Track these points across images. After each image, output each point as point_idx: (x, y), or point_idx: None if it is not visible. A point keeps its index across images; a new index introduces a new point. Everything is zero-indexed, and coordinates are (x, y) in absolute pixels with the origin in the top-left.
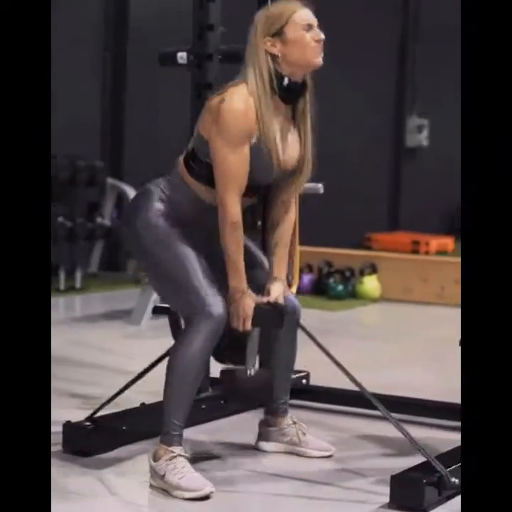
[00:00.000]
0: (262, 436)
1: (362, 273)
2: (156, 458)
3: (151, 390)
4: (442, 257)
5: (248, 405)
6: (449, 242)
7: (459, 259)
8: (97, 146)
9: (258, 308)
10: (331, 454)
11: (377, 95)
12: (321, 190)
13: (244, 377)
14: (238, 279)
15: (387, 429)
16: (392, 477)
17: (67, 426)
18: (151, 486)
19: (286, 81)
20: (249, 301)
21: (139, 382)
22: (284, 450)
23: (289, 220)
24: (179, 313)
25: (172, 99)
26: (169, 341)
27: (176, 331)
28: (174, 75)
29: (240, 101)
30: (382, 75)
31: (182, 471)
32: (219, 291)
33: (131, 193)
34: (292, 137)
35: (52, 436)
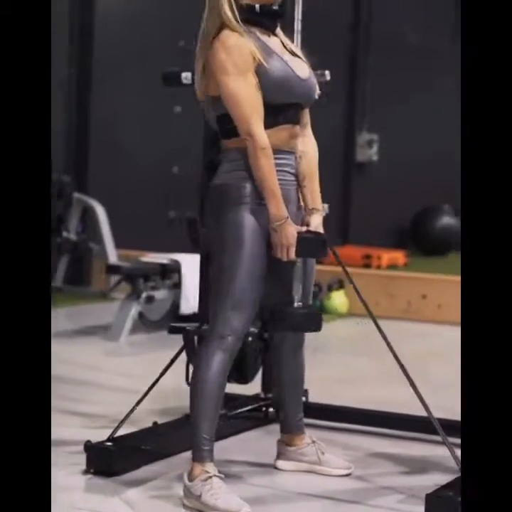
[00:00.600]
0: (281, 455)
1: (330, 288)
2: (191, 478)
3: (154, 408)
4: (410, 273)
5: (299, 331)
6: (400, 256)
7: (425, 275)
8: (63, 161)
9: (300, 237)
10: (351, 472)
11: (327, 110)
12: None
13: (292, 310)
14: (276, 206)
15: (397, 447)
16: (427, 496)
17: (89, 447)
18: (184, 506)
19: (257, 7)
20: (292, 229)
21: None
22: (304, 469)
23: (311, 150)
24: (210, 319)
25: (138, 113)
26: (152, 357)
27: (190, 349)
28: (140, 90)
29: (227, 35)
30: (332, 89)
31: (218, 492)
32: (251, 316)
33: (97, 207)
34: (293, 58)
35: (71, 456)
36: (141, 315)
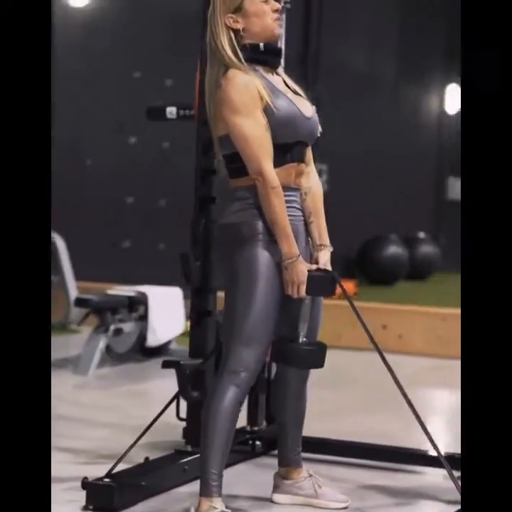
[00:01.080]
0: (278, 488)
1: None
2: None
3: (143, 442)
4: (371, 304)
5: (303, 368)
6: (351, 286)
7: (384, 305)
8: None
9: (310, 274)
10: (348, 505)
11: None
12: None
13: (297, 346)
14: (288, 244)
15: (387, 479)
16: None
17: (88, 483)
18: None
19: (261, 45)
20: (303, 267)
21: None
22: (300, 503)
23: (316, 187)
24: (222, 342)
25: (98, 144)
26: (123, 390)
27: (183, 384)
28: (100, 121)
29: (235, 74)
30: None
31: None
32: (264, 352)
33: (57, 239)
34: (296, 96)
35: (66, 493)
36: (108, 348)
